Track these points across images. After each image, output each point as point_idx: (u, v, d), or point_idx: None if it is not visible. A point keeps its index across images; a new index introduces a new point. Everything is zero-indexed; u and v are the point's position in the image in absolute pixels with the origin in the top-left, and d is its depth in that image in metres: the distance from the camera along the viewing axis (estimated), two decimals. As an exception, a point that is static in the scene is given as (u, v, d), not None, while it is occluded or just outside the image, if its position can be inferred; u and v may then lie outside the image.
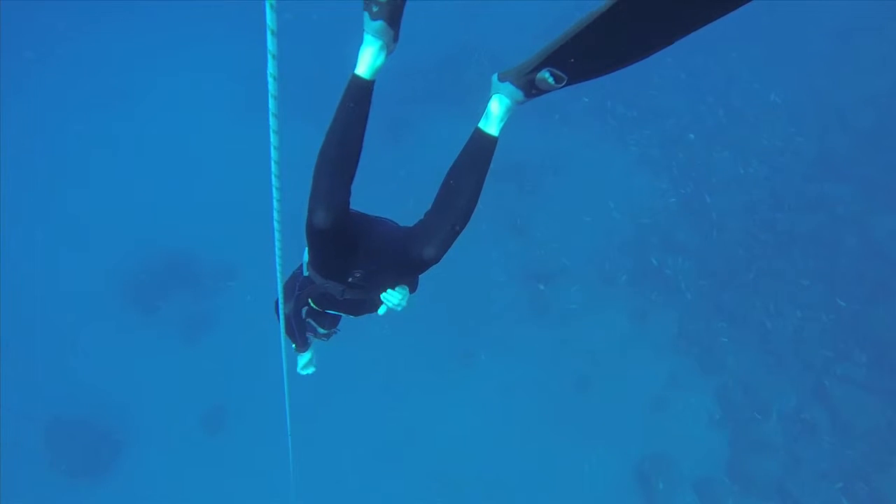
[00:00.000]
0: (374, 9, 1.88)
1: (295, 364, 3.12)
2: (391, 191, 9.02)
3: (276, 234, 1.69)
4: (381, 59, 1.97)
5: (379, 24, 1.91)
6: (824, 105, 12.15)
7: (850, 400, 9.11)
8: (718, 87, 12.99)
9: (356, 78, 1.98)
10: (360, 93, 2.00)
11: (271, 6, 1.23)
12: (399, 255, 2.25)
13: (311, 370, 3.24)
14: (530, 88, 1.93)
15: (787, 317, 10.08)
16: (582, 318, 10.57)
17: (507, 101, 1.99)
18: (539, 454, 9.50)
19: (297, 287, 2.64)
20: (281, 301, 2.41)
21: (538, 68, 1.85)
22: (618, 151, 12.49)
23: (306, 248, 2.44)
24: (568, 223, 11.37)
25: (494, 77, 2.00)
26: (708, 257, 10.90)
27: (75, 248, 11.91)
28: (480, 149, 2.07)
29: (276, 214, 1.61)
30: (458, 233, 2.13)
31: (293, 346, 2.95)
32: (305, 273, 2.53)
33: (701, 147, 12.17)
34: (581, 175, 12.06)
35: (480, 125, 2.06)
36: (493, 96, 2.01)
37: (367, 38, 1.94)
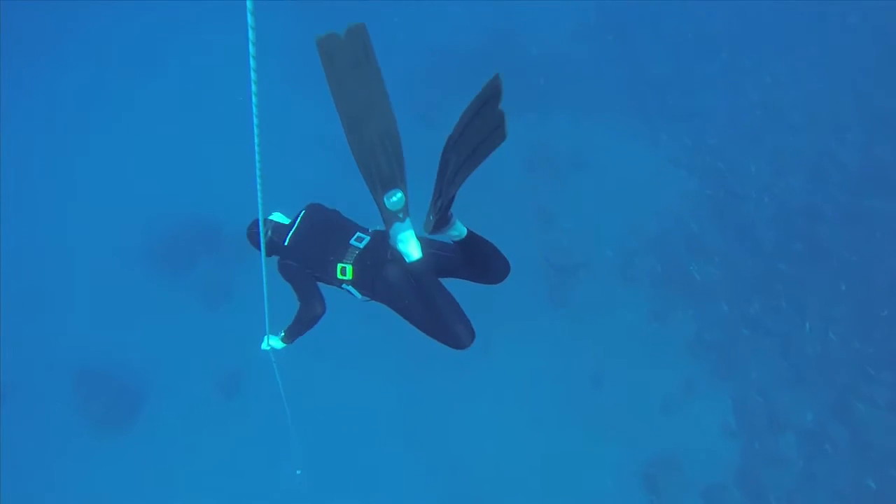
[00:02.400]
0: (400, 215, 2.22)
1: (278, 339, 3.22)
2: (422, 176, 8.98)
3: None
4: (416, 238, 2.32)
5: (407, 220, 2.25)
6: (871, 112, 11.64)
7: (873, 420, 8.85)
8: (759, 91, 12.53)
9: (415, 263, 2.33)
10: (425, 266, 2.38)
11: None
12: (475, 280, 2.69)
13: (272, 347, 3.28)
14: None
15: (815, 331, 9.80)
16: (601, 314, 10.45)
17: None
18: (548, 446, 9.51)
19: (314, 280, 2.92)
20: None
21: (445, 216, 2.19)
22: (649, 149, 12.20)
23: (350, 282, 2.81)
24: (593, 218, 11.21)
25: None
26: (736, 263, 10.63)
27: (110, 211, 12.24)
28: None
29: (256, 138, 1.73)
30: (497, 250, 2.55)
31: (281, 334, 3.14)
32: (357, 295, 2.86)
33: (736, 150, 11.81)
34: (610, 170, 11.83)
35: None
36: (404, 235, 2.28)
37: (403, 236, 2.26)
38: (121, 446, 10.14)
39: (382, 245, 2.75)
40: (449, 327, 2.47)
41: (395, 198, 2.19)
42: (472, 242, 2.44)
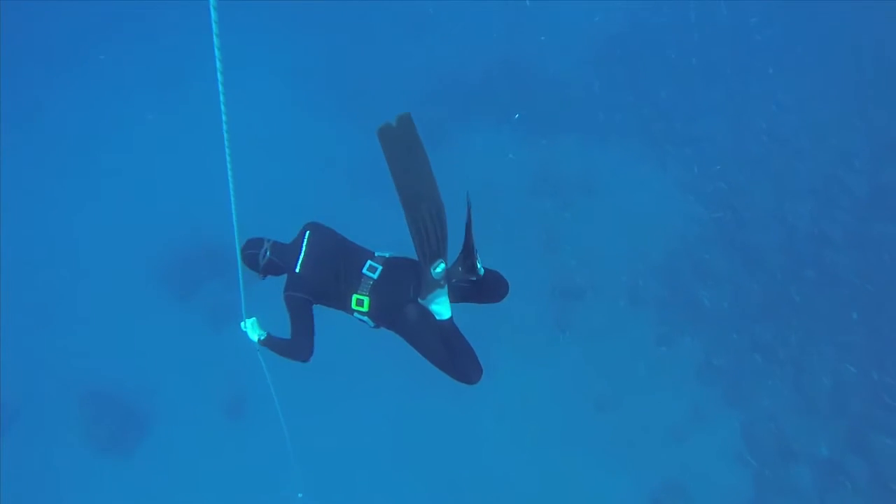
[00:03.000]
0: (441, 282, 2.55)
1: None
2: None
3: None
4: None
5: (445, 287, 2.58)
6: (879, 138, 11.64)
7: (891, 452, 8.61)
8: (766, 117, 12.59)
9: (445, 321, 2.67)
10: (452, 323, 2.69)
11: None
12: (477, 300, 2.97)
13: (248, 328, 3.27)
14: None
15: (827, 359, 9.63)
16: (608, 338, 10.35)
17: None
18: (553, 473, 9.33)
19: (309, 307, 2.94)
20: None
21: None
22: (656, 174, 12.23)
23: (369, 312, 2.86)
24: (600, 242, 11.19)
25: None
26: (744, 289, 10.53)
27: (116, 231, 12.31)
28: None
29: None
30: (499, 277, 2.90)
31: (264, 335, 3.15)
32: (370, 323, 2.92)
33: (743, 175, 11.81)
34: (617, 195, 11.86)
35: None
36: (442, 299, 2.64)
37: (440, 300, 2.61)
38: (125, 470, 10.02)
39: (399, 279, 2.76)
40: (460, 365, 2.68)
41: (439, 268, 2.51)
42: (486, 276, 2.76)
